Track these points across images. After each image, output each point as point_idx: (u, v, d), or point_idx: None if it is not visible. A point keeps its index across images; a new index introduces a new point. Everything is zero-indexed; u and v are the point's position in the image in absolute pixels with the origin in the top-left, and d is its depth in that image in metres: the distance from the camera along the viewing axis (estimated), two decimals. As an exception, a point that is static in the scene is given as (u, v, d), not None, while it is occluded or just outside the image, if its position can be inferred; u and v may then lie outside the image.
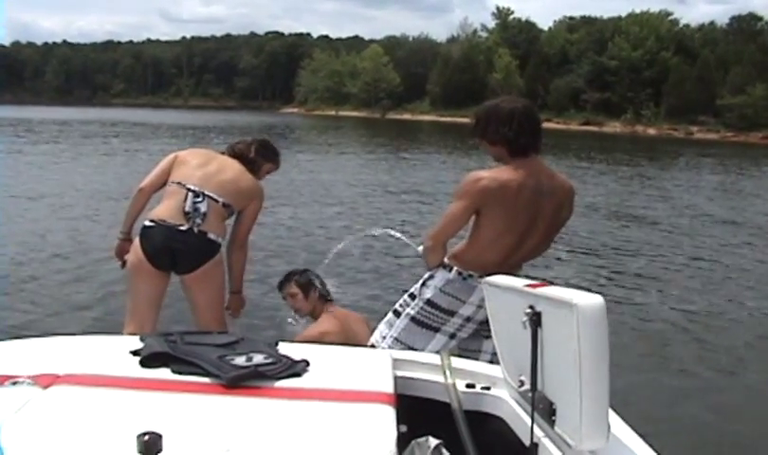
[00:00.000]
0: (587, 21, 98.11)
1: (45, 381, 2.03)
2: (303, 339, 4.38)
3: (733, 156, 39.60)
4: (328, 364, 2.31)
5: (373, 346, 3.62)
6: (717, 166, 32.15)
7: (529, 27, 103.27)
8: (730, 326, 7.49)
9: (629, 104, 78.38)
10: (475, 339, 3.57)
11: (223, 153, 4.42)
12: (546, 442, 1.98)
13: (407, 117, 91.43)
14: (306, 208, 14.02)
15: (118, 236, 4.36)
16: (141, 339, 2.38)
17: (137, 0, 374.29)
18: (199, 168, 4.17)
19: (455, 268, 3.49)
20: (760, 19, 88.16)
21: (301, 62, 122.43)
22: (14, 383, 2.03)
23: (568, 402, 1.85)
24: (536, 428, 1.98)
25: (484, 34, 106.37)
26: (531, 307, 1.96)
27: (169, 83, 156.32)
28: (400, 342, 3.54)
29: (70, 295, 7.40)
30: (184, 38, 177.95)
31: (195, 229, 4.01)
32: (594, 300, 1.79)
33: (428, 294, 3.55)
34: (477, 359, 3.16)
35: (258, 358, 2.20)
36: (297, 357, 2.27)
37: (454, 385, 2.34)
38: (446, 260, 3.54)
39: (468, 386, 2.39)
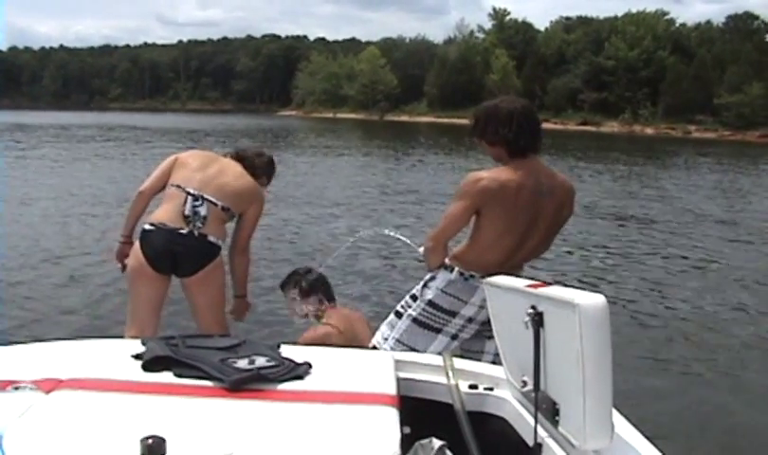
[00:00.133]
0: (583, 21, 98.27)
1: (48, 386, 2.03)
2: (306, 342, 4.37)
3: (731, 155, 39.65)
4: (331, 366, 2.31)
5: (374, 347, 3.61)
6: (715, 165, 32.18)
7: (526, 27, 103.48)
8: (729, 325, 7.49)
9: (626, 104, 78.51)
10: (477, 340, 3.56)
11: (225, 155, 4.42)
12: (550, 442, 1.98)
13: (404, 118, 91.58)
14: (305, 210, 14.02)
15: (119, 239, 4.34)
16: (143, 343, 2.37)
17: (133, 4, 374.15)
18: (199, 171, 4.16)
19: (456, 269, 3.49)
20: (757, 18, 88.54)
21: (298, 64, 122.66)
22: (17, 388, 2.03)
23: (571, 402, 1.85)
24: (539, 429, 1.98)
25: (480, 35, 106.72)
26: (533, 307, 1.96)
27: (166, 87, 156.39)
28: (402, 343, 3.54)
29: (61, 299, 7.41)
30: (181, 42, 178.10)
31: (196, 232, 4.00)
32: (597, 299, 1.79)
33: (429, 295, 3.54)
34: (479, 360, 3.15)
35: (260, 361, 2.19)
36: (299, 360, 2.26)
37: (457, 386, 2.34)
38: (447, 261, 3.53)
39: (471, 387, 2.38)
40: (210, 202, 4.05)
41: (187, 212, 4.01)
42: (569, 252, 10.50)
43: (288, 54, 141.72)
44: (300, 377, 2.17)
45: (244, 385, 2.06)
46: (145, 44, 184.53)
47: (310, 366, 2.24)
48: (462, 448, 2.07)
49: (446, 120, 78.45)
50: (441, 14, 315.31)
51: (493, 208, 3.36)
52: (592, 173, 24.52)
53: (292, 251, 9.93)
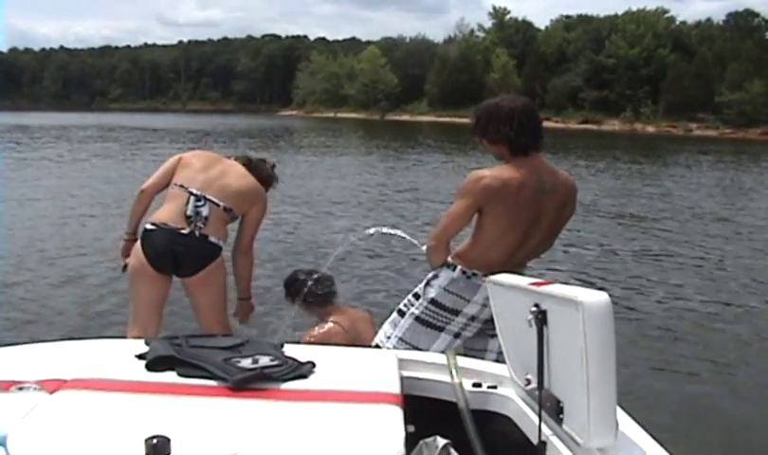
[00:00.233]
0: (583, 19, 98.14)
1: (52, 386, 2.03)
2: (309, 341, 4.37)
3: (732, 153, 39.60)
4: (334, 365, 2.31)
5: (377, 346, 3.62)
6: (716, 163, 32.13)
7: (526, 26, 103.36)
8: (730, 322, 7.48)
9: (627, 102, 78.42)
10: (480, 338, 3.56)
11: (229, 157, 4.42)
12: (554, 440, 1.98)
13: (405, 118, 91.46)
14: (307, 208, 14.03)
15: (123, 237, 4.35)
16: (147, 343, 2.37)
17: (133, 5, 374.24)
18: (202, 171, 4.16)
19: (459, 267, 3.49)
20: (757, 15, 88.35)
21: (298, 64, 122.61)
22: (21, 388, 2.03)
23: (575, 400, 1.85)
24: (543, 427, 1.98)
25: (480, 34, 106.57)
26: (536, 305, 1.96)
27: (167, 88, 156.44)
28: (405, 342, 3.54)
29: (56, 299, 7.40)
30: (181, 42, 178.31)
31: (197, 233, 4.00)
32: (600, 297, 1.79)
33: (432, 293, 3.55)
34: (483, 358, 3.15)
35: (264, 360, 2.19)
36: (303, 359, 2.26)
37: (461, 384, 2.34)
38: (449, 259, 3.53)
39: (475, 385, 2.39)
40: (213, 202, 4.05)
41: (189, 212, 4.01)
42: (570, 251, 10.49)
43: (289, 54, 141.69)
44: (303, 376, 2.18)
45: (247, 384, 2.06)
46: (145, 44, 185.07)
47: (314, 365, 2.24)
48: (466, 447, 2.07)
49: (447, 119, 78.39)
50: (441, 13, 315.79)
51: (495, 206, 3.36)
52: (593, 172, 24.49)
53: (293, 250, 9.93)
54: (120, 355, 2.31)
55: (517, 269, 3.28)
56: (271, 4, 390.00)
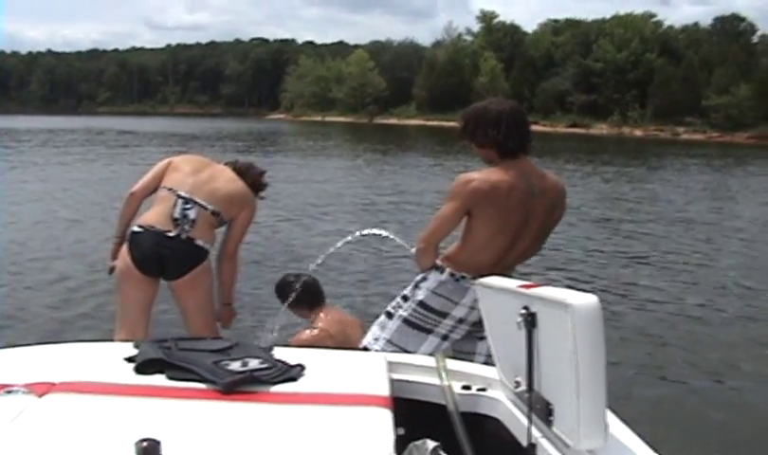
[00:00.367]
0: (571, 23, 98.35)
1: (41, 389, 2.02)
2: (298, 343, 4.36)
3: (719, 157, 39.75)
4: (324, 368, 2.31)
5: (365, 348, 3.61)
6: (703, 167, 32.27)
7: (514, 30, 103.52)
8: (717, 325, 7.52)
9: (615, 106, 78.63)
10: (469, 341, 3.57)
11: (219, 162, 4.42)
12: (544, 442, 1.98)
13: (393, 121, 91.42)
14: (294, 212, 14.00)
15: (113, 240, 4.33)
16: (136, 346, 2.36)
17: (121, 9, 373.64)
18: (191, 175, 4.16)
19: (448, 270, 3.49)
20: (743, 20, 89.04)
21: (286, 68, 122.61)
22: (9, 392, 2.02)
23: (565, 402, 1.85)
24: (533, 429, 1.98)
25: (468, 38, 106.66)
26: (526, 308, 1.96)
27: (155, 91, 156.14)
28: (393, 344, 3.54)
29: (40, 302, 7.35)
30: (169, 46, 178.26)
31: (183, 236, 3.99)
32: (589, 299, 1.80)
33: (420, 296, 3.55)
34: (471, 361, 3.14)
35: (253, 363, 2.19)
36: (292, 362, 2.26)
37: (450, 387, 2.34)
38: (438, 261, 3.54)
39: (464, 388, 2.39)
40: (201, 205, 4.05)
41: (176, 215, 4.00)
42: (557, 254, 10.51)
43: (276, 58, 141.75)
44: (293, 379, 2.17)
45: (237, 387, 2.06)
46: (133, 48, 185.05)
47: (303, 368, 2.24)
48: (456, 449, 2.06)
49: (435, 123, 78.47)
50: (428, 17, 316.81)
51: (485, 209, 3.36)
52: (581, 176, 24.55)
53: (281, 253, 9.92)
54: (109, 358, 2.30)
55: (506, 272, 3.28)
56: (259, 7, 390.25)
